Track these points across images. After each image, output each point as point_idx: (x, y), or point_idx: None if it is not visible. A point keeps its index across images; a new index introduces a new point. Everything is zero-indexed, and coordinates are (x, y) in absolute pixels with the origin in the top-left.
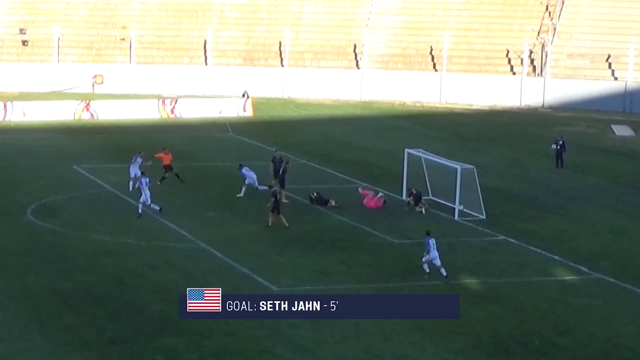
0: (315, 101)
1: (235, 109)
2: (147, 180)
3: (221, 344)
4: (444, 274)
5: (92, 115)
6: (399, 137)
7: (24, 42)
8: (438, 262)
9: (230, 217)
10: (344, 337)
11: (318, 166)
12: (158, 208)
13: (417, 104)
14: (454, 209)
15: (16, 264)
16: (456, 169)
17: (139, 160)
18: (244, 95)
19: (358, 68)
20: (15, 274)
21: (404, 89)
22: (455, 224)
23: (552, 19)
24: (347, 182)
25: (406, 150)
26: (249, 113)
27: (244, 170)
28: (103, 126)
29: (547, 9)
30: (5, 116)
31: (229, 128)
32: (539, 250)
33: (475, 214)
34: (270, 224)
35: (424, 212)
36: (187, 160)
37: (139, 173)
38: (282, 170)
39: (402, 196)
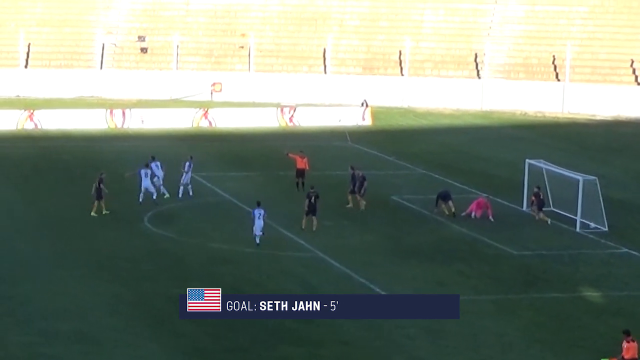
0: (435, 110)
1: (355, 118)
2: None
3: (337, 353)
4: (257, 242)
5: (210, 123)
6: (519, 147)
7: (143, 50)
8: (259, 232)
9: (348, 226)
10: (461, 349)
11: (437, 176)
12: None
13: (539, 114)
14: (576, 220)
15: (132, 270)
16: (578, 180)
17: (190, 164)
18: (363, 104)
19: (479, 77)
20: (130, 280)
21: (525, 98)
22: (577, 236)
23: None
24: (467, 193)
25: (527, 160)
26: (368, 122)
27: (154, 165)
28: (221, 134)
29: None
30: (123, 123)
31: (348, 137)
32: None
33: (598, 226)
34: (304, 227)
35: (549, 222)
36: None
37: (188, 179)
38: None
39: (522, 207)
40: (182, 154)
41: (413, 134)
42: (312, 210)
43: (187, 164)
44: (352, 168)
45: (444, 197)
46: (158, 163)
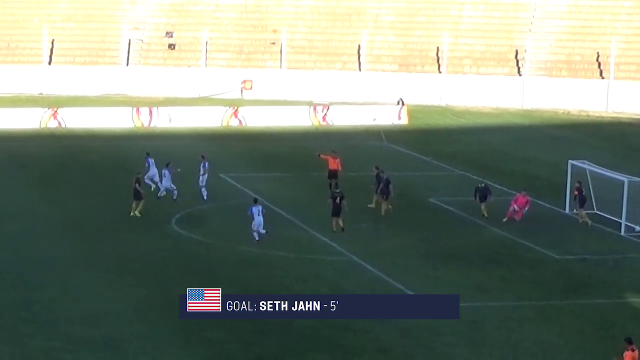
0: (474, 109)
1: (390, 117)
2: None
3: None
4: (265, 232)
5: (240, 121)
6: (562, 148)
7: (171, 46)
8: (262, 230)
9: (384, 229)
10: (502, 356)
11: (476, 177)
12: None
13: (582, 113)
14: (620, 223)
15: (160, 274)
16: (623, 182)
17: (204, 165)
18: (399, 103)
19: (520, 75)
20: (159, 284)
21: (568, 97)
22: (621, 240)
23: None
24: (507, 195)
25: (570, 161)
26: (404, 121)
27: (149, 161)
28: (252, 133)
29: None
30: (150, 122)
31: (383, 136)
32: None
33: None
34: (335, 229)
35: (589, 224)
36: None
37: (204, 180)
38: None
39: (564, 209)
40: (210, 154)
41: (451, 134)
42: (336, 212)
43: (202, 165)
44: (377, 168)
45: (482, 195)
46: (153, 160)
